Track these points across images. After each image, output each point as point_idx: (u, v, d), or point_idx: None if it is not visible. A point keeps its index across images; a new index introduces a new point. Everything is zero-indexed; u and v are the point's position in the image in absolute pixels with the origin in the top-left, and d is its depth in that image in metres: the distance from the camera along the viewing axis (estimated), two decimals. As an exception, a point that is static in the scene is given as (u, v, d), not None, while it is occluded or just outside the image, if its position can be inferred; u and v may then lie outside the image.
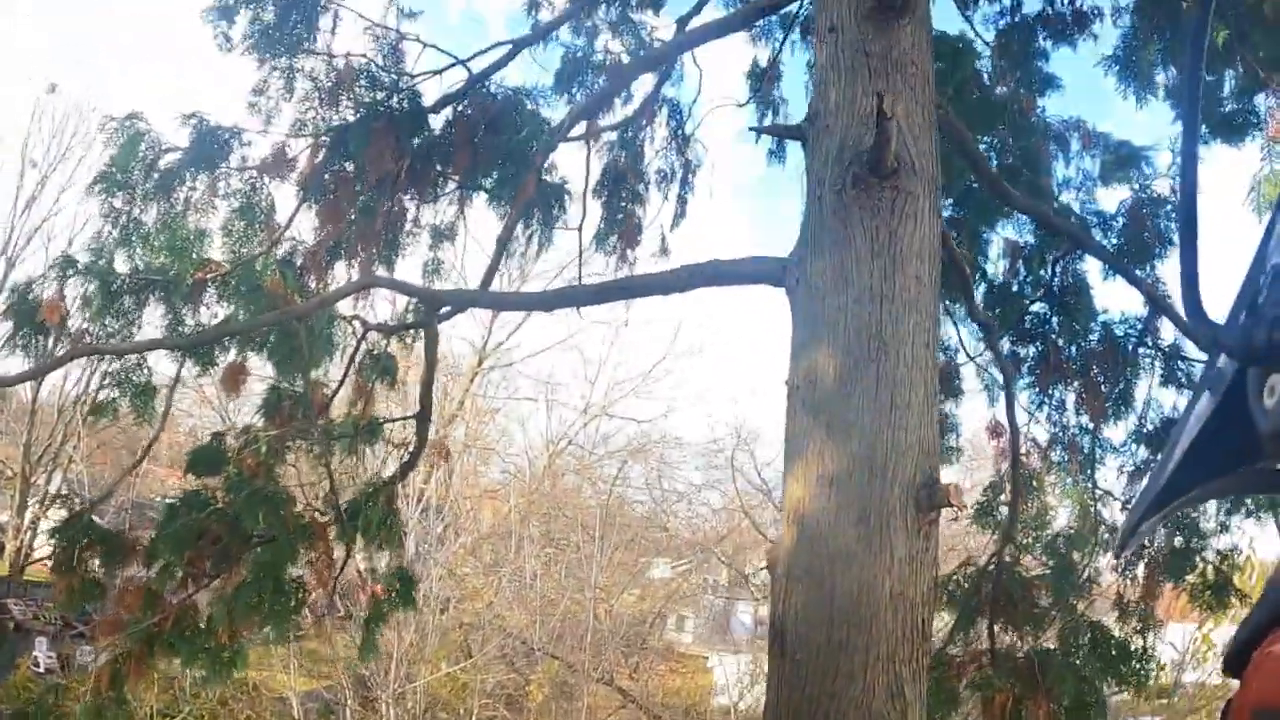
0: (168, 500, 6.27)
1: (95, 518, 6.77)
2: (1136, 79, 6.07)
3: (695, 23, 6.81)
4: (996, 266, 6.98)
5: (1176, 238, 0.65)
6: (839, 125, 3.75)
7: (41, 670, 18.15)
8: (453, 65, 6.35)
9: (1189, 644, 13.95)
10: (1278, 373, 0.45)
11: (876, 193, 3.53)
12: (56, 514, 19.97)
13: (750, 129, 7.03)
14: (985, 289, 6.76)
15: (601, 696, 17.37)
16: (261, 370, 7.55)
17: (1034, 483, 6.83)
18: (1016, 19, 6.94)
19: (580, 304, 5.91)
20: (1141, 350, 6.46)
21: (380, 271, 7.09)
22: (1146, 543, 5.81)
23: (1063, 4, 6.78)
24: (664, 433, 23.36)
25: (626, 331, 20.84)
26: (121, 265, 6.38)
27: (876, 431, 3.36)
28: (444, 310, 6.63)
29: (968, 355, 6.71)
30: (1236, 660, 0.47)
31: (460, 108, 6.43)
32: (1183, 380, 6.24)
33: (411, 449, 7.03)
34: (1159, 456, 0.62)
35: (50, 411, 19.20)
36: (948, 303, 6.03)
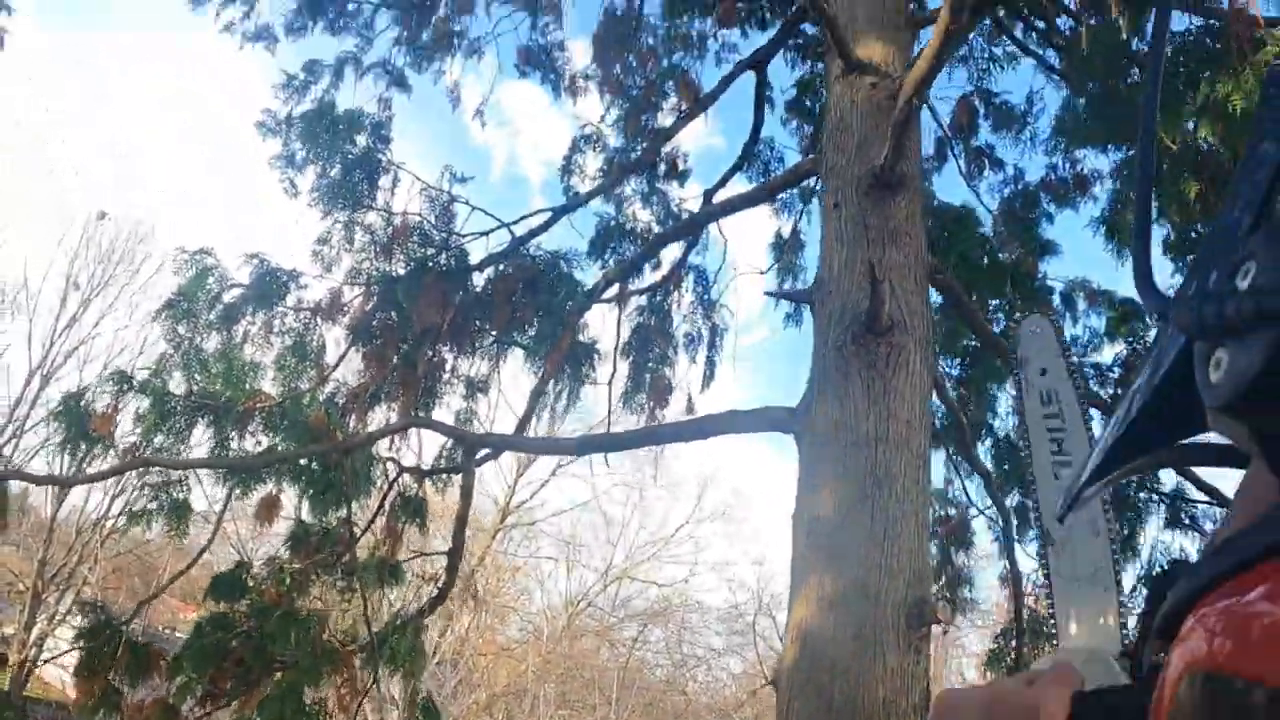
0: (196, 619, 6.50)
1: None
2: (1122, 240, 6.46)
3: (721, 195, 7.35)
4: (1006, 422, 7.30)
5: (1134, 221, 0.66)
6: (840, 290, 4.24)
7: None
8: (498, 228, 6.91)
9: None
10: (1223, 348, 0.46)
11: (873, 348, 3.97)
12: (64, 633, 19.93)
13: (766, 294, 7.53)
14: (993, 443, 7.07)
15: None
16: (290, 506, 7.85)
17: (1042, 628, 7.00)
18: (1019, 186, 7.49)
19: (607, 449, 6.28)
20: (1144, 495, 6.67)
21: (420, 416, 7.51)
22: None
23: (1064, 169, 7.26)
24: (685, 596, 23.35)
25: (650, 494, 21.07)
26: (175, 387, 6.83)
27: (871, 558, 3.70)
28: (481, 454, 7.01)
29: (978, 509, 7.00)
30: (1172, 618, 0.46)
31: (502, 267, 6.95)
32: (1186, 523, 6.47)
33: (441, 584, 7.28)
34: (1106, 425, 0.64)
35: (68, 530, 19.40)
36: (956, 457, 6.35)
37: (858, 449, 3.87)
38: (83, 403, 6.66)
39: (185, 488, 6.98)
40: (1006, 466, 6.88)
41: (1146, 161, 0.72)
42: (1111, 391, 6.63)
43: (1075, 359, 1.53)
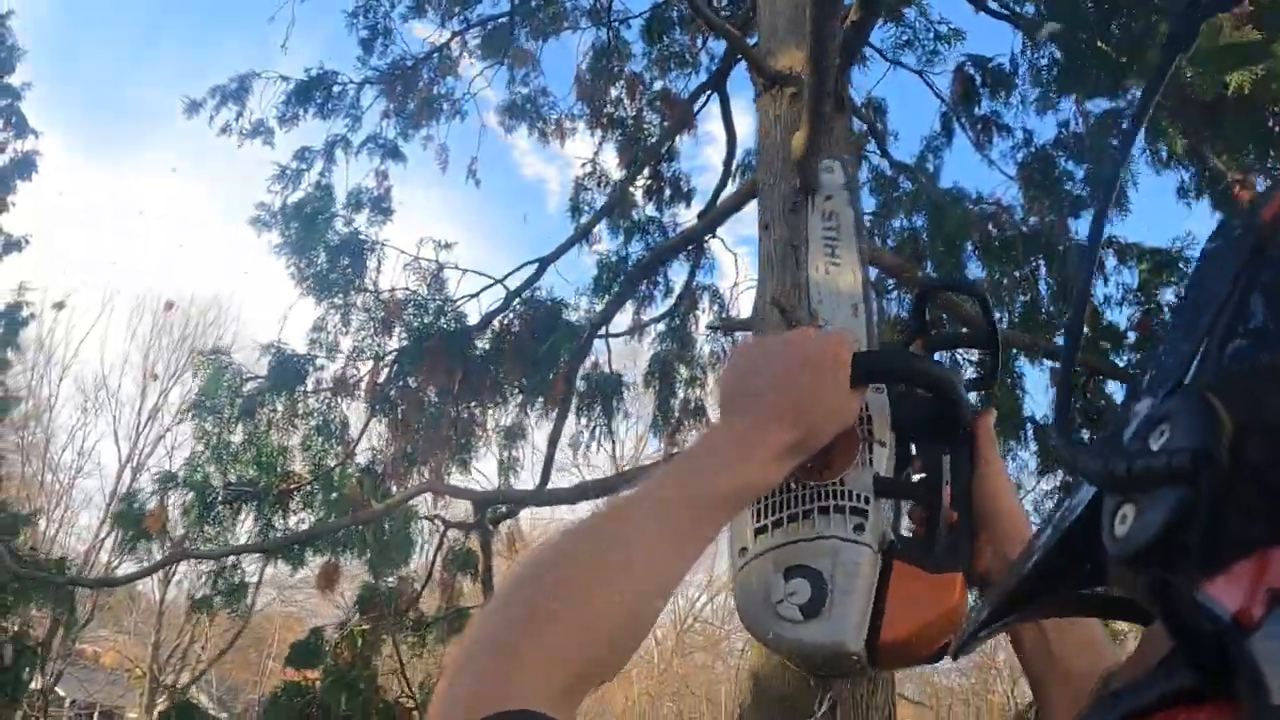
0: (273, 691, 6.83)
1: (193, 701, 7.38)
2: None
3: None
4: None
5: (1060, 368, 0.69)
6: (771, 321, 4.15)
7: None
8: (491, 285, 7.11)
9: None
10: (1131, 503, 0.47)
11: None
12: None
13: (708, 327, 7.54)
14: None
15: None
16: (353, 569, 8.14)
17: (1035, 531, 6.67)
18: (1032, 149, 7.30)
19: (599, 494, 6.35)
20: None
21: (457, 473, 7.71)
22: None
23: (1076, 124, 7.07)
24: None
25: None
26: (216, 479, 7.18)
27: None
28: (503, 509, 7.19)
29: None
30: None
31: (504, 320, 7.13)
32: None
33: None
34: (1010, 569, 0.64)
35: (178, 612, 20.17)
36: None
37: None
38: (135, 504, 7.07)
39: (239, 572, 7.32)
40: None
41: (1077, 321, 0.72)
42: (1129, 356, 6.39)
43: (855, 189, 1.61)
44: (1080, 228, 6.92)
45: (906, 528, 1.09)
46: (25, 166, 11.10)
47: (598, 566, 0.79)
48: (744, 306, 8.29)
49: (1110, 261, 6.84)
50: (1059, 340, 6.20)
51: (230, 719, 20.74)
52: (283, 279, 7.03)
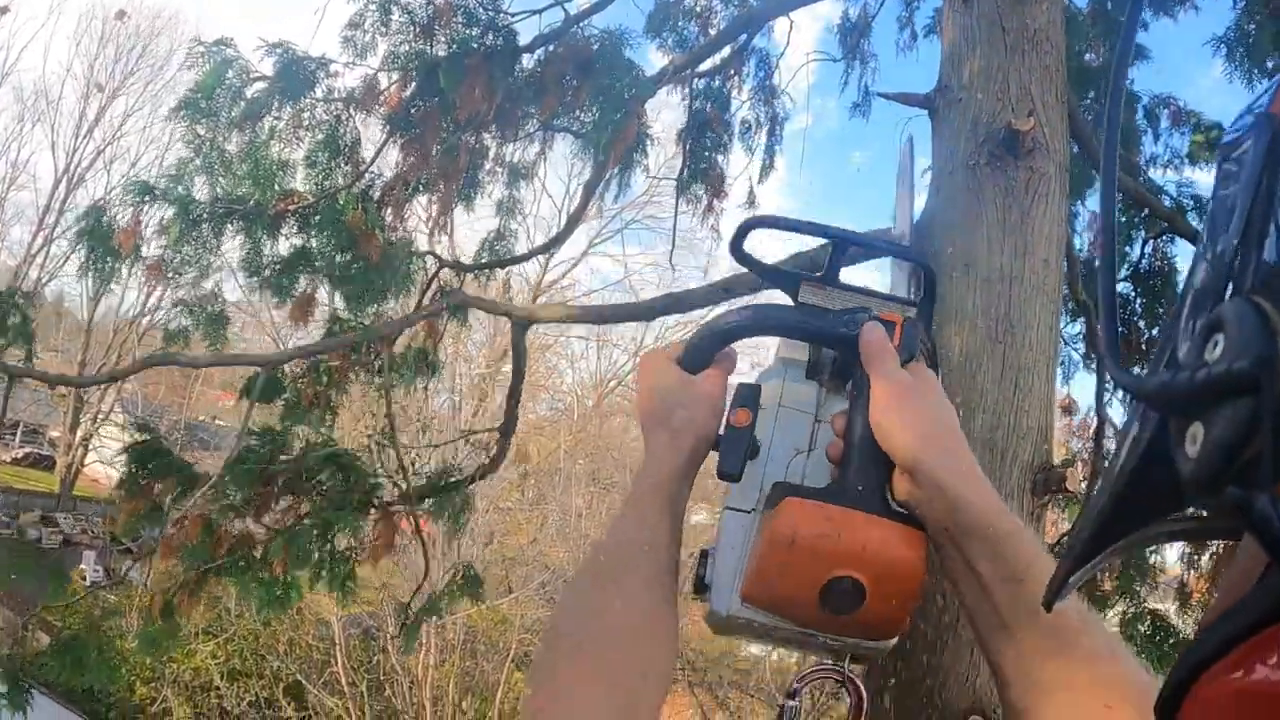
0: (245, 442, 6.25)
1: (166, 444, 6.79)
2: (1249, 61, 5.87)
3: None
4: (1082, 239, 6.86)
5: (1100, 300, 0.62)
6: (973, 100, 3.62)
7: (89, 584, 18.53)
8: (551, 5, 6.23)
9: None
10: (1198, 420, 0.45)
11: (1011, 172, 3.42)
12: (108, 431, 20.23)
13: (880, 95, 6.90)
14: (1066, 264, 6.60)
15: (637, 637, 17.45)
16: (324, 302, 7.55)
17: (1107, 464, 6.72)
18: None
19: (687, 308, 5.86)
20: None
21: (458, 208, 7.06)
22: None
23: None
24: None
25: (682, 273, 20.76)
26: (200, 193, 6.38)
27: (1000, 413, 3.29)
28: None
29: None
30: (1170, 703, 0.47)
31: (554, 47, 6.32)
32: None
33: (492, 455, 7.11)
34: (1087, 506, 0.61)
35: (105, 330, 19.39)
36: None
37: (989, 286, 3.38)
38: (104, 219, 6.22)
39: (220, 300, 6.63)
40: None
41: (1109, 248, 0.65)
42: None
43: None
44: (1136, 77, 6.58)
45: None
46: None
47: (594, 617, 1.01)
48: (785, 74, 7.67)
49: (1164, 122, 6.56)
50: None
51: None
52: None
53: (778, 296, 1.22)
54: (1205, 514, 0.53)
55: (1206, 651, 0.45)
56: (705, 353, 1.19)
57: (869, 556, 0.96)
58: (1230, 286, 0.49)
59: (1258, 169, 0.50)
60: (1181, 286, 0.54)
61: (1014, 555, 0.97)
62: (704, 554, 1.12)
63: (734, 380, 1.23)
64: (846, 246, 1.17)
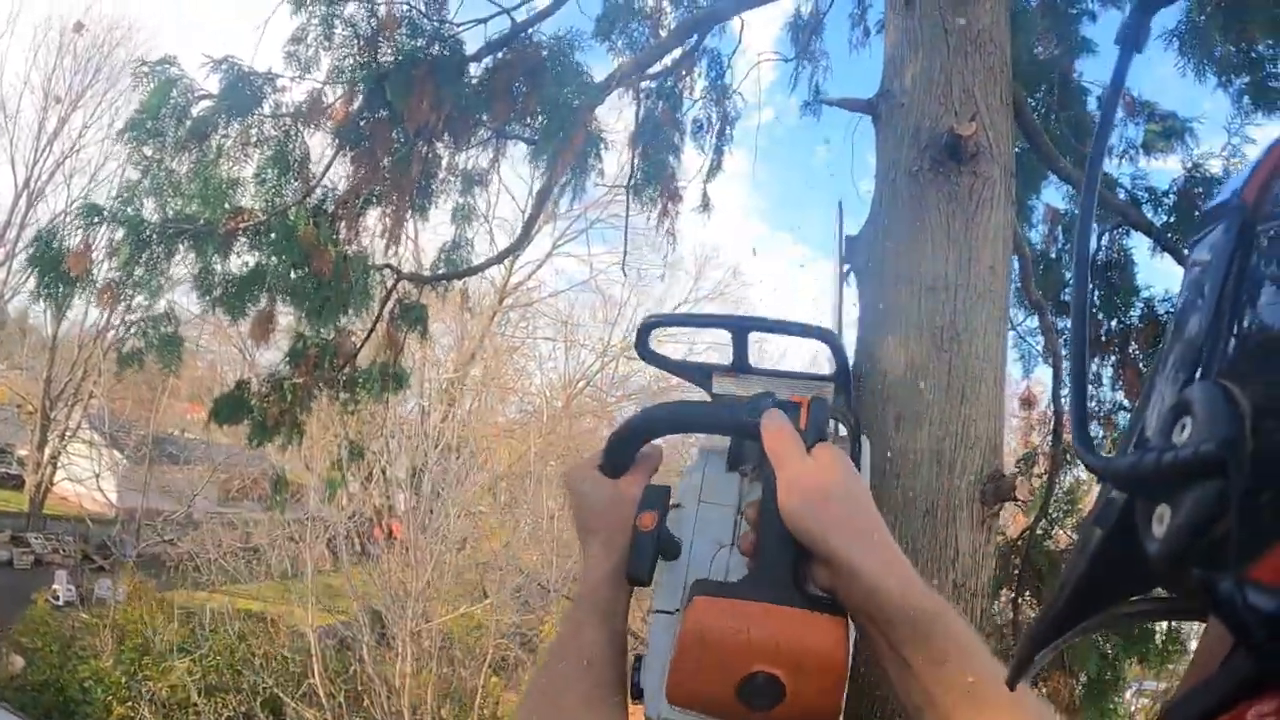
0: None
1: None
2: (1198, 54, 5.89)
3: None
4: (1037, 233, 6.87)
5: (1068, 374, 0.64)
6: (915, 105, 3.57)
7: (60, 603, 18.36)
8: (498, 14, 6.19)
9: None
10: (1165, 502, 0.47)
11: (955, 178, 3.38)
12: (76, 449, 20.03)
13: (821, 101, 6.82)
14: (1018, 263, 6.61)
15: (615, 638, 17.41)
16: (285, 315, 7.49)
17: (1069, 458, 6.76)
18: None
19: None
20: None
21: (414, 219, 7.00)
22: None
23: None
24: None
25: (648, 274, 20.73)
26: (150, 213, 6.30)
27: (947, 423, 3.25)
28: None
29: (1010, 325, 6.60)
30: None
31: (501, 55, 6.26)
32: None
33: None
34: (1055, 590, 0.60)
35: (71, 347, 19.18)
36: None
37: (933, 295, 3.33)
38: (54, 243, 6.14)
39: (172, 321, 6.55)
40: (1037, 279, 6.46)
41: (1080, 323, 0.65)
42: (1164, 219, 6.14)
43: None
44: (1085, 69, 6.52)
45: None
46: None
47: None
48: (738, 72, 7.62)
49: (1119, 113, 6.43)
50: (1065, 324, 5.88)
51: (125, 455, 20.15)
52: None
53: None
54: (1171, 595, 0.54)
55: None
56: (623, 456, 1.18)
57: (783, 650, 0.94)
58: (1199, 368, 0.50)
59: (1228, 253, 0.51)
60: (1148, 371, 0.56)
61: (940, 636, 0.96)
62: (638, 659, 1.13)
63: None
64: (747, 332, 1.17)
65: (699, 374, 1.21)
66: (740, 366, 1.18)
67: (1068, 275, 6.54)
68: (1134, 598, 0.56)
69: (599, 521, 1.17)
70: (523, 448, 20.28)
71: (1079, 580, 0.57)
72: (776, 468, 1.02)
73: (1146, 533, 0.48)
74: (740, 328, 1.16)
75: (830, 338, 1.22)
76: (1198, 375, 0.50)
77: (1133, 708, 12.94)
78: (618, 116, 7.39)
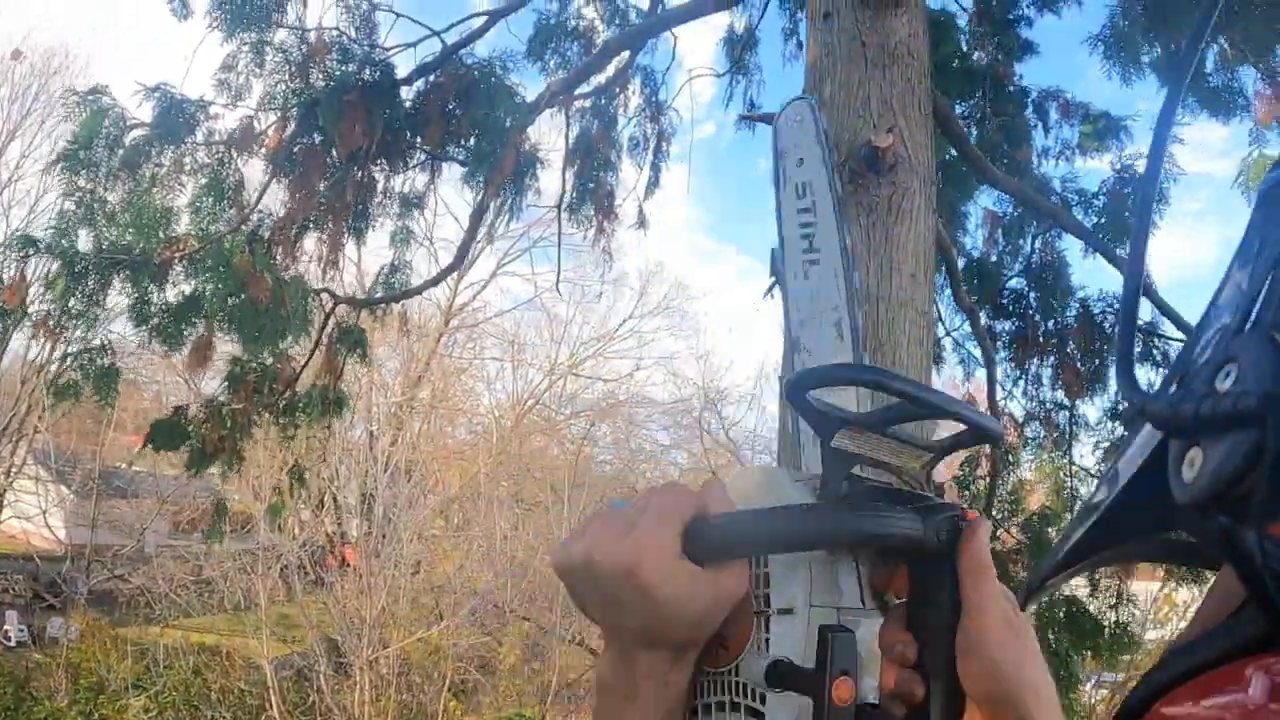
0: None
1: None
2: (1123, 57, 6.01)
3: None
4: (974, 238, 6.97)
5: (1119, 318, 0.73)
6: (833, 118, 3.64)
7: (13, 644, 18.00)
8: (427, 36, 6.19)
9: (1151, 604, 14.19)
10: (1198, 446, 0.47)
11: (873, 190, 3.45)
12: (23, 485, 19.69)
13: (740, 117, 6.88)
14: (964, 262, 6.71)
15: (573, 657, 17.40)
16: (226, 343, 7.43)
17: (1010, 458, 6.85)
18: None
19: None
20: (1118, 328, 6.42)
21: (350, 244, 6.98)
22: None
23: None
24: (631, 392, 23.45)
25: (593, 290, 20.76)
26: (85, 244, 6.24)
27: (872, 434, 3.30)
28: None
29: (945, 330, 6.70)
30: (1133, 716, 0.47)
31: (434, 78, 6.27)
32: (1158, 359, 6.21)
33: None
34: (1075, 515, 0.60)
35: (13, 381, 18.84)
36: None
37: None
38: (-13, 275, 6.08)
39: (109, 354, 6.48)
40: (976, 283, 6.56)
41: (1135, 271, 0.64)
42: (1095, 220, 6.25)
43: (828, 147, 1.39)
44: (1026, 74, 6.69)
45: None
46: None
47: None
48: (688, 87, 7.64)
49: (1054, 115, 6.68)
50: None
51: (72, 490, 19.79)
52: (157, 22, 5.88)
53: None
54: (1190, 539, 0.54)
55: (1174, 674, 0.47)
56: (717, 554, 0.81)
57: None
58: (1251, 318, 0.50)
59: None
60: (1204, 309, 0.55)
61: None
62: None
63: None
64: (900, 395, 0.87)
65: (826, 424, 0.85)
66: (872, 424, 0.88)
67: (1006, 276, 6.66)
68: (1153, 536, 0.56)
69: (681, 628, 0.80)
70: (473, 469, 20.19)
71: (1105, 510, 0.57)
72: (977, 605, 0.80)
73: (1176, 475, 0.48)
74: (902, 394, 0.85)
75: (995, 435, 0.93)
76: (1249, 326, 0.49)
77: (1093, 699, 13.11)
78: (558, 136, 7.43)
